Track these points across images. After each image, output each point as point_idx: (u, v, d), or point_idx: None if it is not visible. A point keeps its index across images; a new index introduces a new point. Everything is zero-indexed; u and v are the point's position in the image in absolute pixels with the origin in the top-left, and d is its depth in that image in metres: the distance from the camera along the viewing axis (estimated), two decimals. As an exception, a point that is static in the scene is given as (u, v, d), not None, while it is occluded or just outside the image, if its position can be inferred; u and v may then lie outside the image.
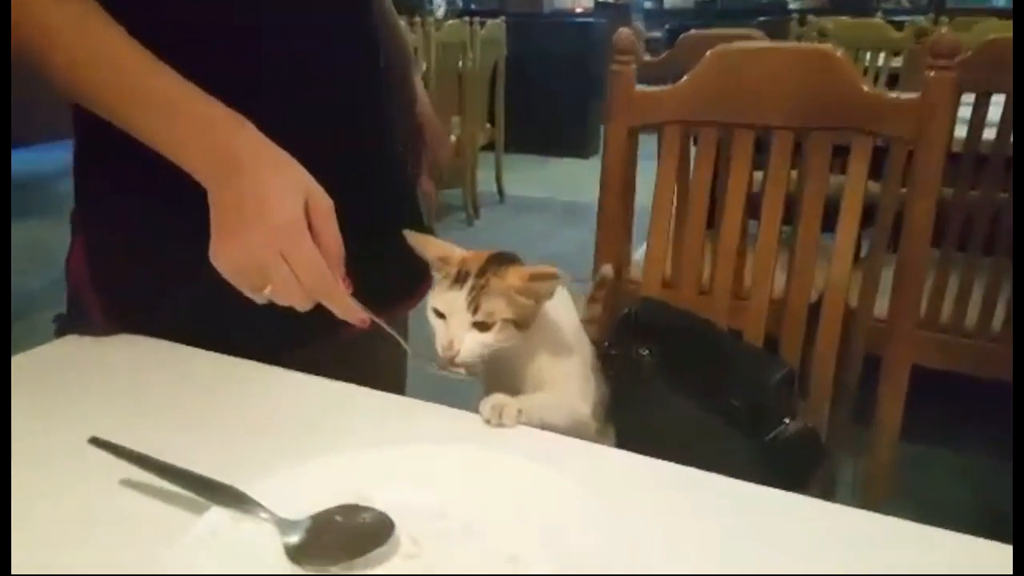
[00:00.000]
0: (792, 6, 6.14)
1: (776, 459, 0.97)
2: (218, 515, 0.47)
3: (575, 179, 4.86)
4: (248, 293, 0.62)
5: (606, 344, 1.10)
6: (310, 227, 0.61)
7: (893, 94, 0.99)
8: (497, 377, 0.76)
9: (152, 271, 0.76)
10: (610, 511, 0.48)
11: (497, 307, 0.70)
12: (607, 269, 1.07)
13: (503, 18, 4.38)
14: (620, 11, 6.33)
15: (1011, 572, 0.43)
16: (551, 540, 0.46)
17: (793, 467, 0.99)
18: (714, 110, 1.07)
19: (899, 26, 3.27)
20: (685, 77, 1.08)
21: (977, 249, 1.64)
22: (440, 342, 0.70)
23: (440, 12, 5.78)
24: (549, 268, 0.71)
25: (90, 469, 0.52)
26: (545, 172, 5.41)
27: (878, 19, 3.38)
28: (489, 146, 4.47)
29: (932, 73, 0.95)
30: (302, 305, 0.62)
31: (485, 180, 4.45)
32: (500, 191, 4.57)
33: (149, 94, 0.62)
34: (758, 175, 1.08)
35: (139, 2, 0.63)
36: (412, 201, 0.99)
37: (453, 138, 3.87)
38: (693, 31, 1.73)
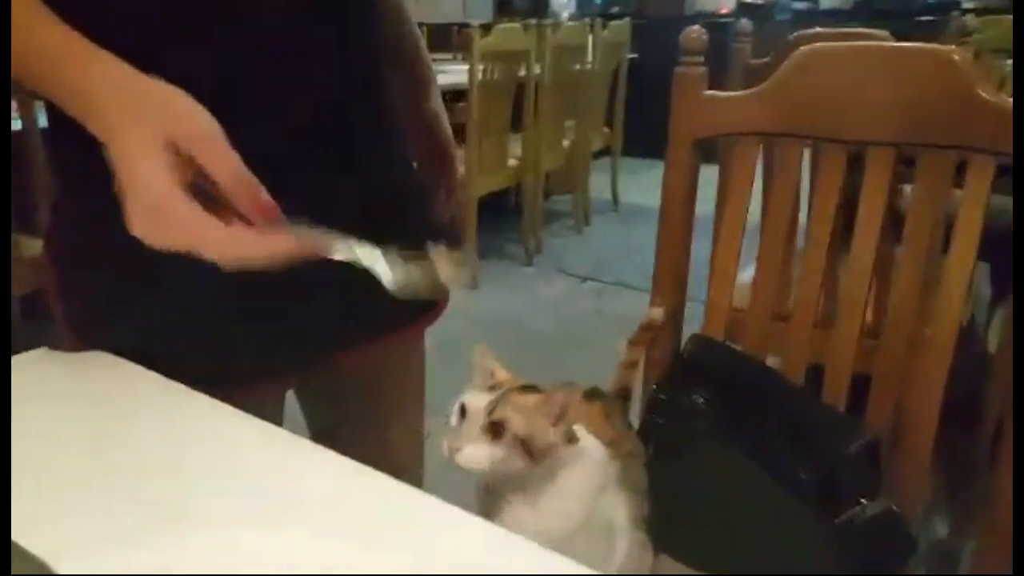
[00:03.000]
0: (966, 5, 5.43)
1: (848, 546, 0.81)
2: None
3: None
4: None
5: (654, 387, 0.97)
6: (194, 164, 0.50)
7: (1027, 105, 0.80)
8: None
9: (120, 282, 0.69)
10: None
11: (512, 417, 0.69)
12: (656, 313, 0.95)
13: (628, 19, 4.22)
14: (763, 12, 5.92)
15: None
16: None
17: (868, 557, 0.82)
18: (800, 121, 0.91)
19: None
20: (768, 80, 0.92)
21: None
22: (449, 435, 0.71)
23: (564, 15, 5.67)
24: (568, 392, 0.72)
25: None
26: (667, 180, 5.19)
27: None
28: (607, 150, 4.33)
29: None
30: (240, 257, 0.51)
31: (601, 185, 4.31)
32: (615, 197, 4.42)
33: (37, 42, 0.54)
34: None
35: None
36: (424, 208, 0.88)
37: (566, 143, 3.76)
38: (805, 31, 1.53)
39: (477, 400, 0.71)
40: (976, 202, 0.82)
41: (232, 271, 0.51)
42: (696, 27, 0.94)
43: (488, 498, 0.75)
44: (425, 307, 0.85)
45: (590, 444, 0.77)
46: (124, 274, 0.68)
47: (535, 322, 2.92)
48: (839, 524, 0.80)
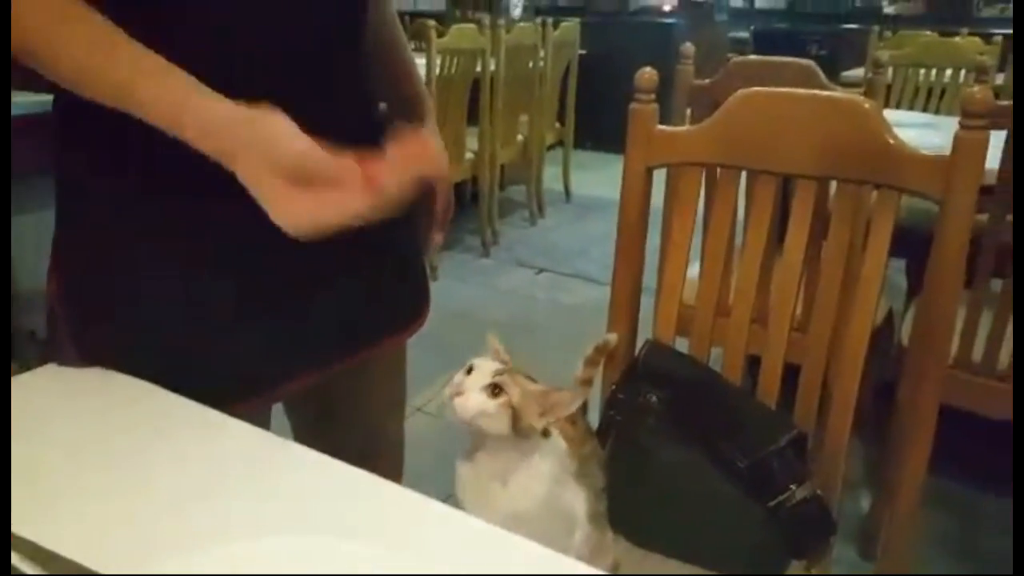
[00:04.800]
0: (887, 11, 5.87)
1: (779, 526, 0.94)
2: None
3: (645, 181, 4.77)
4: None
5: (612, 387, 1.10)
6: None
7: (925, 150, 0.95)
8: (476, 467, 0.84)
9: (126, 297, 0.72)
10: None
11: (510, 387, 0.79)
12: (611, 337, 1.07)
13: (577, 20, 4.35)
14: (704, 10, 6.18)
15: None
16: None
17: (797, 536, 0.95)
18: (737, 154, 1.04)
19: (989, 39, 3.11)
20: (709, 118, 1.06)
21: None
22: (454, 380, 0.81)
23: (517, 12, 5.78)
24: (568, 395, 0.83)
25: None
26: (616, 171, 5.31)
27: (959, 38, 3.21)
28: (559, 143, 4.45)
29: (962, 132, 0.91)
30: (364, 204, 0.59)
31: (554, 178, 4.44)
32: (567, 189, 4.56)
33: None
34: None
35: None
36: (413, 229, 0.95)
37: (520, 137, 3.88)
38: (740, 58, 1.68)
39: (487, 364, 0.81)
40: (883, 229, 0.97)
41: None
42: (648, 69, 1.07)
43: (465, 473, 0.84)
44: (413, 316, 0.94)
45: (557, 440, 0.88)
46: (128, 296, 0.72)
47: (492, 312, 3.04)
48: (771, 507, 0.92)
